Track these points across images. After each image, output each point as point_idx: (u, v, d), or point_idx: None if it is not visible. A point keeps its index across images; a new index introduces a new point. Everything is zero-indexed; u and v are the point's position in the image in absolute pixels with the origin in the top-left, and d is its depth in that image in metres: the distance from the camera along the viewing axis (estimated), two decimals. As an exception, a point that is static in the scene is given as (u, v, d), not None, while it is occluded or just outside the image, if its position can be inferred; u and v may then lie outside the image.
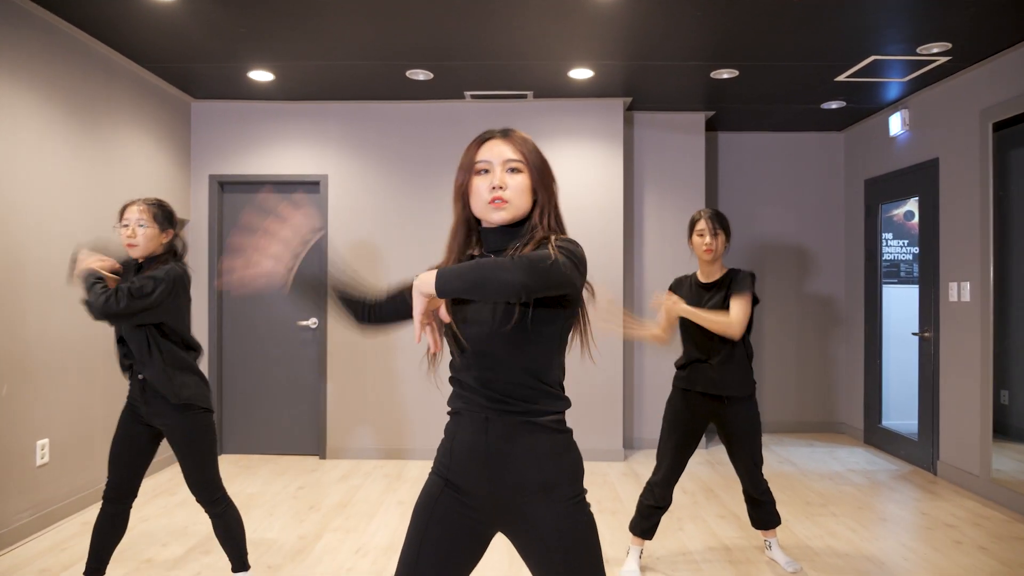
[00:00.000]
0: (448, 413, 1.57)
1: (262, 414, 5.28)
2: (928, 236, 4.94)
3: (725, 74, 4.56)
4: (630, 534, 3.16)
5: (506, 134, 1.55)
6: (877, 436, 5.64)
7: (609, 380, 5.18)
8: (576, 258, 1.41)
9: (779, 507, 4.05)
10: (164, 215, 2.66)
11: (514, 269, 1.31)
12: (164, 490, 4.35)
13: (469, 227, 1.58)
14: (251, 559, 3.09)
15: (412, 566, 1.50)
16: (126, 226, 2.59)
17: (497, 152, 1.52)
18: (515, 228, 1.53)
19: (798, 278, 6.21)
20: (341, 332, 5.19)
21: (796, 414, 6.20)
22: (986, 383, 4.33)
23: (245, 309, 5.26)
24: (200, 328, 5.11)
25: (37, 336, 3.57)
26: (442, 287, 1.35)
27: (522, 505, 1.46)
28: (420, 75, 4.62)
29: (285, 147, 5.25)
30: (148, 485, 4.42)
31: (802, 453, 5.43)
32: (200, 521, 3.76)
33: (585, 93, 5.05)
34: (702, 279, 3.07)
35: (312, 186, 5.28)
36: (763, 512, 3.15)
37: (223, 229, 5.26)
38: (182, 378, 2.62)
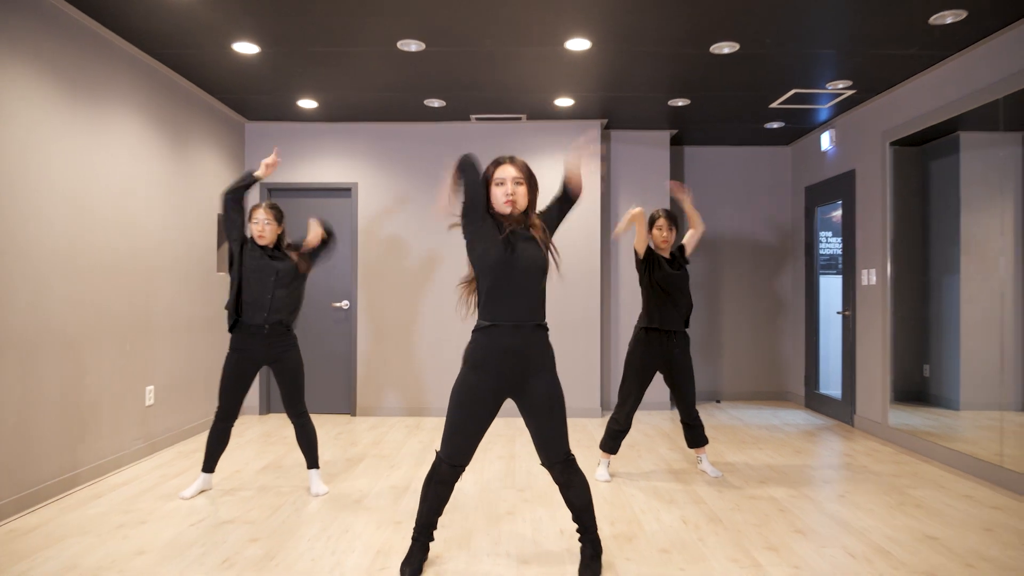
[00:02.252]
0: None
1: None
2: (848, 232, 6.06)
3: (680, 102, 5.69)
4: (600, 451, 4.28)
5: (512, 160, 2.66)
6: (815, 401, 6.76)
7: (588, 351, 6.30)
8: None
9: (718, 445, 5.17)
10: (279, 214, 3.83)
11: None
12: (233, 434, 5.47)
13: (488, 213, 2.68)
14: (320, 472, 4.18)
15: (463, 419, 2.61)
16: (256, 223, 3.75)
17: (508, 172, 2.62)
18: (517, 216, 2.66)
19: (752, 270, 7.32)
20: (368, 312, 6.31)
21: (751, 385, 7.32)
22: (885, 350, 5.44)
23: (289, 293, 6.37)
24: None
25: (149, 307, 4.69)
26: None
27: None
28: (435, 103, 5.74)
29: (323, 160, 6.38)
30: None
31: (750, 413, 6.55)
32: (266, 453, 4.88)
33: (569, 116, 6.18)
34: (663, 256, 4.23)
35: (345, 192, 6.41)
36: (694, 433, 4.26)
37: (271, 227, 6.39)
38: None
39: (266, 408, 6.39)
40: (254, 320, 3.74)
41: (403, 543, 3.13)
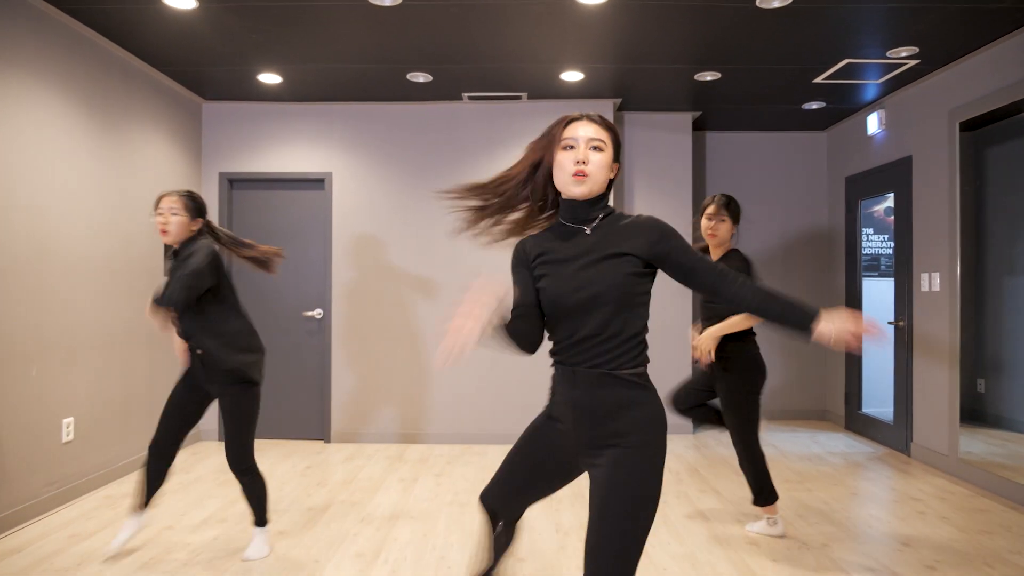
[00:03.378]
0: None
1: (269, 400, 5.52)
2: (902, 229, 5.20)
3: (708, 76, 4.82)
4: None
5: (592, 117, 1.78)
6: (857, 422, 5.90)
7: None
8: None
9: (758, 483, 4.31)
10: (195, 205, 2.94)
11: None
12: (180, 468, 4.61)
13: (545, 199, 1.82)
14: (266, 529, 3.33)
15: (508, 467, 1.89)
16: (161, 214, 2.87)
17: (584, 131, 1.74)
18: (591, 203, 1.76)
19: (784, 272, 6.46)
20: (345, 322, 5.45)
21: (782, 402, 6.46)
22: (954, 367, 4.58)
23: (253, 299, 5.50)
24: (210, 318, 5.37)
25: (61, 321, 3.83)
26: None
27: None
28: (420, 77, 4.87)
29: (292, 146, 5.51)
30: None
31: (785, 437, 5.69)
32: (213, 495, 4.02)
33: (577, 94, 5.31)
34: None
35: (317, 183, 5.54)
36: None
37: (232, 224, 5.53)
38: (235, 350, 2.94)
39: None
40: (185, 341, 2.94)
41: (359, 658, 2.28)
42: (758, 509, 3.46)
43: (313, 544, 3.29)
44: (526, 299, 1.77)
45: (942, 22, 3.86)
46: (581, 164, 1.71)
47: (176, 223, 2.88)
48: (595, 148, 1.74)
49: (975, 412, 4.73)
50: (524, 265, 1.81)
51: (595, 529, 1.63)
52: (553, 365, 1.81)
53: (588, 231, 1.77)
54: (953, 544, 3.32)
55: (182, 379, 3.03)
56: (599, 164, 1.73)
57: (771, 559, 3.13)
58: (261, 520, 3.11)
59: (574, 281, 1.70)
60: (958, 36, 4.07)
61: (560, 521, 3.59)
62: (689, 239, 5.79)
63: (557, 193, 1.81)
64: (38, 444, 3.64)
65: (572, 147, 1.73)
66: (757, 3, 3.60)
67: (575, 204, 1.77)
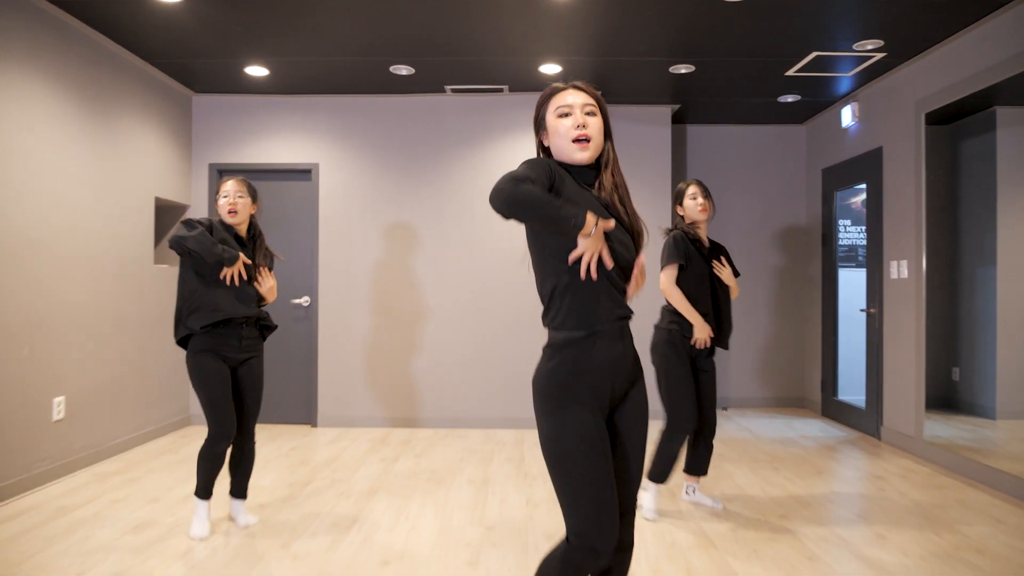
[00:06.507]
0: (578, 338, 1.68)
1: (258, 386, 5.67)
2: (874, 219, 5.33)
3: (683, 69, 4.95)
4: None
5: (578, 84, 1.78)
6: (833, 409, 6.04)
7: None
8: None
9: (727, 464, 4.46)
10: (254, 190, 3.20)
11: None
12: (169, 449, 4.75)
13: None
14: (247, 501, 3.46)
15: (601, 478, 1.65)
16: (227, 196, 3.09)
17: (575, 98, 1.73)
18: (593, 167, 1.76)
19: (762, 263, 6.60)
20: (331, 310, 5.59)
21: (761, 390, 6.60)
22: (920, 352, 4.72)
23: (242, 288, 5.65)
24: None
25: (53, 303, 3.97)
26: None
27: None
28: (403, 70, 5.01)
29: (279, 137, 5.65)
30: (153, 447, 4.83)
31: (761, 423, 5.83)
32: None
33: (557, 87, 5.44)
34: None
35: (304, 174, 5.68)
36: (700, 457, 3.55)
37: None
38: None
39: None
40: (237, 312, 3.02)
41: (326, 611, 2.42)
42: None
43: (292, 512, 3.43)
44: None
45: (904, 15, 4.00)
46: (582, 128, 1.69)
47: (243, 205, 3.12)
48: (590, 113, 1.73)
49: (950, 400, 4.86)
50: (549, 179, 1.69)
51: (636, 448, 1.76)
52: (576, 329, 1.68)
53: (595, 194, 1.74)
54: (905, 515, 3.46)
55: (215, 366, 3.00)
56: (598, 128, 1.72)
57: (728, 527, 3.27)
58: (245, 492, 3.27)
59: None
60: (921, 28, 4.21)
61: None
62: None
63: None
64: (30, 421, 3.78)
65: (568, 114, 1.72)
66: (721, -4, 3.74)
67: (579, 171, 1.74)
